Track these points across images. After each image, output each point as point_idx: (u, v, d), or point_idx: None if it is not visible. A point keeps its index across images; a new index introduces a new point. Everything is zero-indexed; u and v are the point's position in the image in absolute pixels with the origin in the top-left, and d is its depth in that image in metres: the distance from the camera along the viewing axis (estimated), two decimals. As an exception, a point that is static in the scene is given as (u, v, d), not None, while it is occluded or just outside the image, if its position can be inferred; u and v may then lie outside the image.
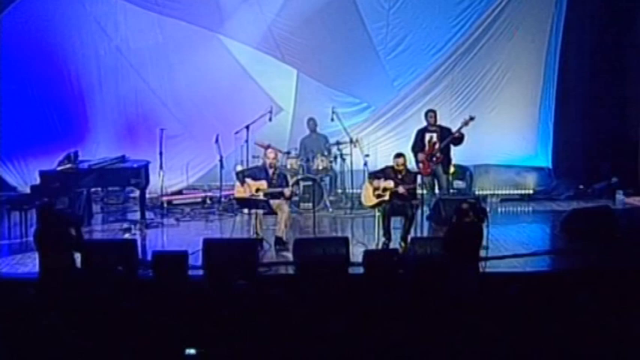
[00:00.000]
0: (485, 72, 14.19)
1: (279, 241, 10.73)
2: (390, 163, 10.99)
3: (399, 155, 10.87)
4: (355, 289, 8.51)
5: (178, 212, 13.02)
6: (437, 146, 12.21)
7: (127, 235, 11.43)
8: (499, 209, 13.38)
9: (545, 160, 14.44)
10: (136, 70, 13.93)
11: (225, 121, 13.39)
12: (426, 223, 11.69)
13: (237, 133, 12.92)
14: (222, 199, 13.20)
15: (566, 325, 7.00)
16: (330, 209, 12.86)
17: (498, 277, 9.34)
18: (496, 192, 13.92)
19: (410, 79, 14.18)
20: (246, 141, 12.86)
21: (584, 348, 6.77)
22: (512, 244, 10.91)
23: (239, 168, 12.27)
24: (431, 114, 12.45)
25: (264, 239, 10.76)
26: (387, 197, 10.66)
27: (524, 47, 14.14)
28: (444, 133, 12.28)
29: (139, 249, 9.90)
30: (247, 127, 12.83)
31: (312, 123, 13.57)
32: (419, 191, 10.93)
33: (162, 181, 12.87)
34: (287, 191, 10.81)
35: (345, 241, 9.57)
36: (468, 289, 8.38)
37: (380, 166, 11.68)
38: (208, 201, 13.57)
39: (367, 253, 9.28)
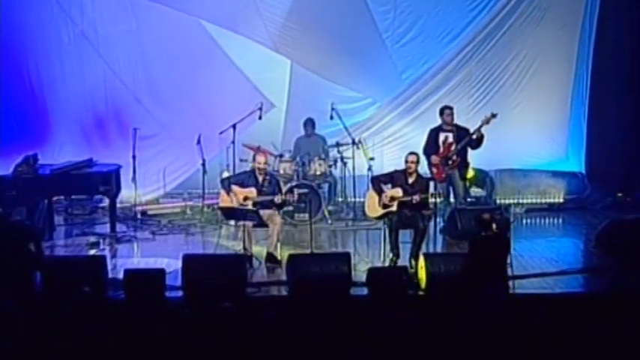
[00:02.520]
0: (507, 63, 14.22)
1: (271, 258, 10.74)
2: (397, 167, 11.02)
3: (412, 153, 10.92)
4: (358, 312, 8.52)
5: (154, 224, 13.01)
6: (452, 148, 12.23)
7: (94, 251, 11.44)
8: (524, 221, 13.40)
9: (578, 165, 14.47)
10: (105, 60, 13.94)
11: (209, 120, 13.43)
12: (439, 237, 11.73)
13: (222, 133, 12.96)
14: (205, 209, 13.23)
15: (600, 353, 7.02)
16: (330, 221, 12.88)
17: (524, 298, 9.36)
18: (521, 201, 13.96)
19: (421, 71, 14.20)
20: (233, 142, 12.90)
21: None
22: (540, 260, 10.92)
23: (225, 174, 12.29)
24: (447, 111, 12.44)
25: (253, 255, 10.77)
26: (394, 207, 10.67)
27: (553, 34, 14.16)
28: (461, 133, 12.29)
29: (109, 267, 9.89)
30: (234, 127, 12.86)
31: (310, 125, 13.52)
32: (432, 200, 10.95)
33: (136, 188, 12.89)
34: (278, 198, 10.81)
35: (346, 258, 9.61)
36: (498, 310, 8.35)
37: (386, 170, 11.68)
38: (189, 211, 13.59)
39: (372, 272, 9.32)
